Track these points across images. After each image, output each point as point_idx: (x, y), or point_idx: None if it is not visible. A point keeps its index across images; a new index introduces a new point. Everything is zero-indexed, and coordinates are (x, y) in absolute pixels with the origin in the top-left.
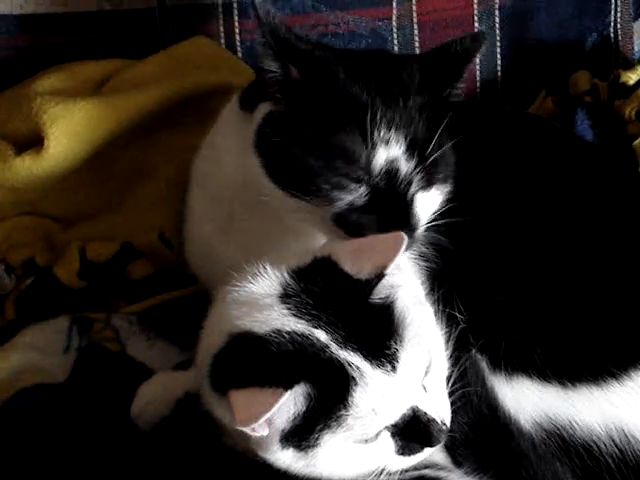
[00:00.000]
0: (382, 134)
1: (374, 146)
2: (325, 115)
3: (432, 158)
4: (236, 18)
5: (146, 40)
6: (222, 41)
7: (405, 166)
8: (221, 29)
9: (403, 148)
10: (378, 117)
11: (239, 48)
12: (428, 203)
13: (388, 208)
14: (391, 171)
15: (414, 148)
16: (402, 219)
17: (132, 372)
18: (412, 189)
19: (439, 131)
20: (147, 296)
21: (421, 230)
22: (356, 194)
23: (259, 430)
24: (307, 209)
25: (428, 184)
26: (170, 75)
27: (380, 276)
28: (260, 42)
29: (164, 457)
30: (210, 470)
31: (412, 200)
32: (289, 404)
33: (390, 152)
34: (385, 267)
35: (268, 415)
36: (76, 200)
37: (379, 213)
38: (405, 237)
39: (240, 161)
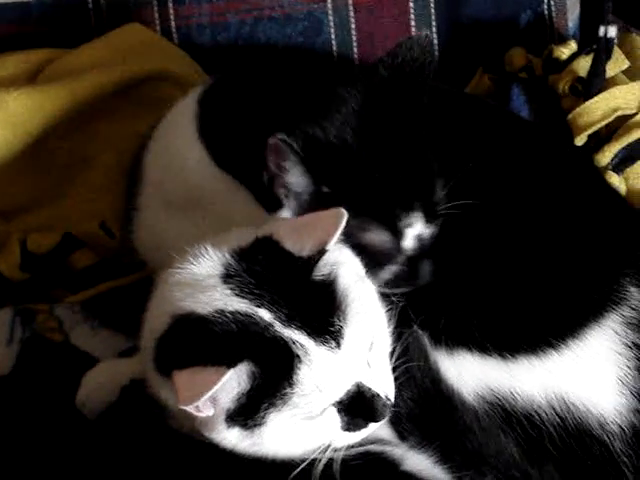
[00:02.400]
0: (405, 221)
1: (402, 235)
2: (353, 221)
3: (436, 199)
4: (171, 4)
5: (80, 28)
6: (157, 28)
7: (426, 229)
8: (156, 15)
9: (423, 219)
10: (398, 209)
11: (175, 34)
12: None
13: (421, 265)
14: (419, 242)
15: (428, 210)
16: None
17: (76, 361)
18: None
19: (437, 180)
20: (90, 285)
21: None
22: (393, 269)
23: (204, 410)
24: None
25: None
26: (105, 63)
27: (321, 252)
28: (296, 169)
29: (110, 444)
30: (156, 454)
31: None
32: (233, 383)
33: (416, 229)
34: (326, 243)
35: (210, 393)
36: (15, 191)
37: (415, 271)
38: (345, 213)
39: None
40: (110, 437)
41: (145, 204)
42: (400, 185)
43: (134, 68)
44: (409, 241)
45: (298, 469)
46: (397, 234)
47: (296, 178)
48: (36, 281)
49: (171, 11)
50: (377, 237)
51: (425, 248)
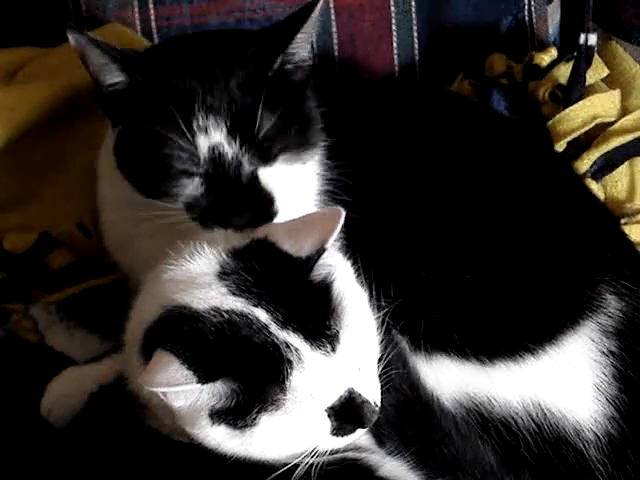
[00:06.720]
0: (201, 123)
1: (194, 136)
2: (158, 117)
3: (263, 133)
4: (151, 5)
5: (59, 28)
6: (138, 28)
7: (229, 149)
8: (137, 16)
9: (225, 132)
10: (196, 106)
11: (155, 35)
12: (279, 176)
13: (223, 194)
14: (215, 157)
15: (237, 130)
16: (240, 202)
17: (51, 362)
18: (245, 170)
19: (260, 106)
20: (67, 286)
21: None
22: (191, 187)
23: (171, 399)
24: (170, 211)
25: (267, 159)
26: None
27: (320, 252)
28: (101, 60)
29: (82, 451)
30: (130, 461)
31: (253, 180)
32: (205, 394)
33: (211, 139)
34: (326, 242)
35: (165, 390)
36: None
37: (216, 200)
38: (343, 211)
39: None
40: (79, 445)
41: (103, 202)
42: (212, 93)
43: None
44: (203, 148)
45: (278, 472)
46: (189, 136)
47: (97, 61)
48: (13, 281)
49: (152, 12)
50: (174, 135)
51: (228, 174)
